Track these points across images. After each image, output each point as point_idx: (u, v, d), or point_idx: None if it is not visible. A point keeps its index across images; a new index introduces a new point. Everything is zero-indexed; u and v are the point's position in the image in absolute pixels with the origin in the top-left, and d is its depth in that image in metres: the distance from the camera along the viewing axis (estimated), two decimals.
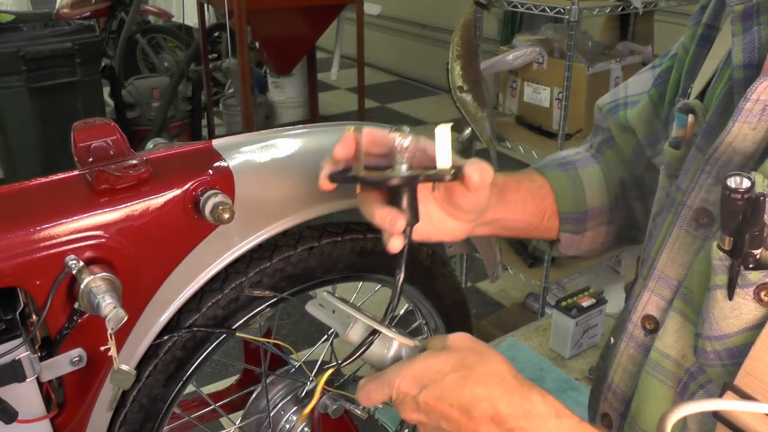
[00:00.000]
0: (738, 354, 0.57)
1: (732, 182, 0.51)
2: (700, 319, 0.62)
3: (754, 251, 0.53)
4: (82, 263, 0.67)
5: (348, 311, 0.67)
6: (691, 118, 0.67)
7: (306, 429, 1.08)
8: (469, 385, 0.60)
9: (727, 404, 0.58)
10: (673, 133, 0.70)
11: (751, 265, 0.54)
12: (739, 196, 0.51)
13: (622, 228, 0.90)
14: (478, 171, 0.62)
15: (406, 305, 1.06)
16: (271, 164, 0.80)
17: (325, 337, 1.11)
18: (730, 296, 0.56)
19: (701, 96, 0.70)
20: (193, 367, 0.82)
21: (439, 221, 0.70)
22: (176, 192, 0.73)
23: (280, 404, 1.08)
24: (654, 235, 0.74)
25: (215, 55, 4.64)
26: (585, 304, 1.88)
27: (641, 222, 0.89)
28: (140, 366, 0.79)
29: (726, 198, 0.52)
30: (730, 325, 0.57)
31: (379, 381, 0.65)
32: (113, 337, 0.66)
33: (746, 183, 0.51)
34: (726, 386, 0.57)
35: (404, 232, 0.63)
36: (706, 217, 0.64)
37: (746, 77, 0.61)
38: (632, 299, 0.73)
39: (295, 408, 1.09)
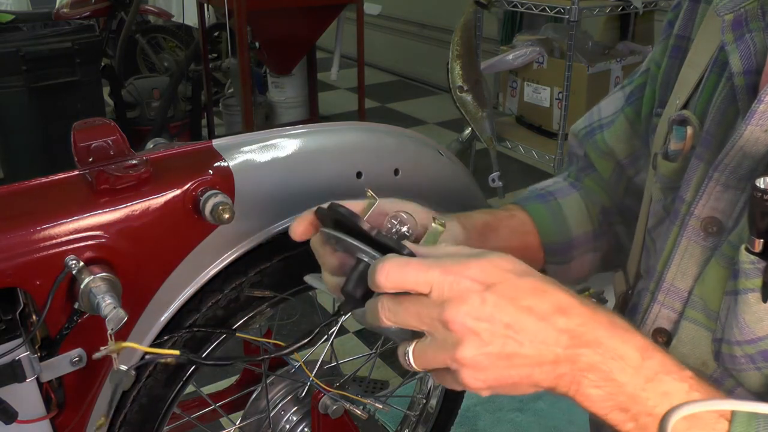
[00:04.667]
0: None
1: (761, 183, 0.51)
2: (718, 324, 0.62)
3: None
4: (82, 263, 0.67)
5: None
6: (690, 129, 0.67)
7: (306, 429, 1.08)
8: (552, 291, 0.52)
9: (727, 404, 0.58)
10: (671, 146, 0.69)
11: None
12: None
13: (607, 254, 0.89)
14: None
15: None
16: (271, 164, 0.80)
17: (325, 337, 1.11)
18: (765, 299, 0.55)
19: (684, 106, 0.71)
20: (193, 367, 0.82)
21: None
22: (176, 192, 0.73)
23: (280, 404, 1.08)
24: (656, 249, 0.73)
25: (215, 55, 4.63)
26: None
27: (627, 246, 0.89)
28: (140, 366, 0.79)
29: (756, 200, 0.51)
30: (764, 328, 0.57)
31: (425, 262, 0.51)
32: (113, 337, 0.66)
33: None
34: None
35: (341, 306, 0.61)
36: (715, 225, 0.63)
37: (747, 83, 0.62)
38: (638, 314, 0.72)
39: (295, 408, 1.09)
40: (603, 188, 0.90)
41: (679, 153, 0.68)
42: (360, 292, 0.58)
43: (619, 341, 0.52)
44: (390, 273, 0.51)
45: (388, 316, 0.52)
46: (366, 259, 0.58)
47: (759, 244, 0.54)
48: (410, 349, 0.53)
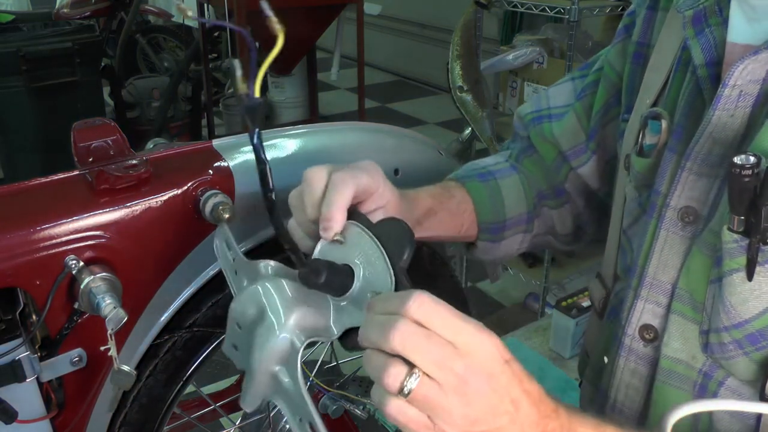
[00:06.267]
0: (761, 338, 0.58)
1: (738, 160, 0.52)
2: (704, 315, 0.62)
3: None
4: (82, 263, 0.67)
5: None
6: (664, 123, 0.68)
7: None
8: (531, 379, 0.53)
9: (727, 404, 0.58)
10: (647, 141, 0.71)
11: None
12: (749, 172, 0.52)
13: (537, 235, 0.92)
14: None
15: None
16: (271, 164, 0.80)
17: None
18: (750, 277, 0.56)
19: (653, 106, 0.72)
20: (193, 367, 0.82)
21: None
22: (176, 192, 0.73)
23: None
24: (632, 248, 0.74)
25: (215, 55, 4.64)
26: (585, 304, 1.88)
27: (558, 229, 0.92)
28: (140, 366, 0.79)
29: (734, 176, 0.53)
30: (749, 309, 0.57)
31: (457, 311, 0.51)
32: (113, 337, 0.66)
33: (752, 159, 0.52)
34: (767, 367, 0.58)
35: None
36: (691, 214, 0.65)
37: (710, 74, 0.64)
38: (621, 314, 0.73)
39: None
40: (542, 171, 0.92)
41: (654, 147, 0.70)
42: (325, 276, 0.56)
43: (578, 424, 0.54)
44: (423, 304, 0.50)
45: (404, 342, 0.48)
46: (362, 276, 0.57)
47: (740, 222, 0.55)
48: (414, 382, 0.48)
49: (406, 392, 0.48)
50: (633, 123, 0.75)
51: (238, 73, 0.49)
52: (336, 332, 0.59)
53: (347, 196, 0.60)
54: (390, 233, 0.57)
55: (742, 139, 0.60)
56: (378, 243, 0.57)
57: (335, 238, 0.59)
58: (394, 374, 0.48)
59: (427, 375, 0.48)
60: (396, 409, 0.49)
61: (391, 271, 0.55)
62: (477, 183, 0.87)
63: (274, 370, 0.59)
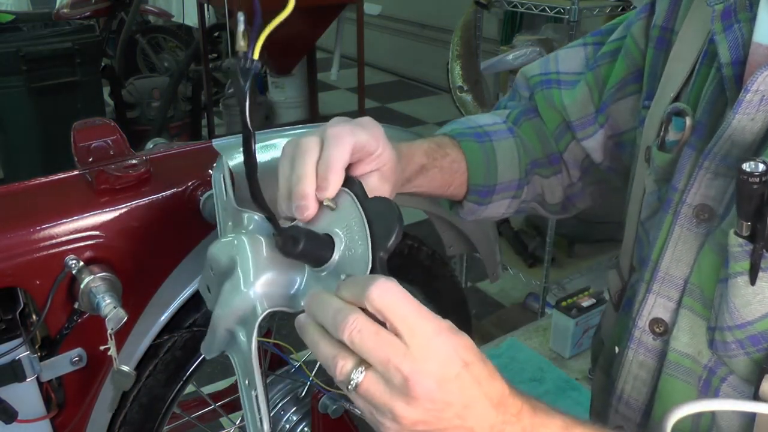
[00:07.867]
0: (762, 340, 0.58)
1: (747, 167, 0.52)
2: (712, 312, 0.63)
3: None
4: (82, 263, 0.67)
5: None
6: (689, 120, 0.68)
7: (306, 429, 1.08)
8: (500, 380, 0.52)
9: (727, 404, 0.58)
10: (670, 137, 0.70)
11: None
12: (757, 180, 0.52)
13: (524, 201, 0.90)
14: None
15: None
16: (271, 164, 0.80)
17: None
18: (753, 281, 0.56)
19: (676, 98, 0.72)
20: (193, 367, 0.82)
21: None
22: (176, 192, 0.73)
23: (280, 404, 1.08)
24: (648, 240, 0.74)
25: (215, 55, 4.64)
26: (585, 304, 1.88)
27: (547, 198, 0.91)
28: (140, 366, 0.79)
29: (742, 183, 0.52)
30: (752, 312, 0.58)
31: (423, 308, 0.49)
32: (113, 337, 0.66)
33: (762, 167, 0.52)
34: (764, 370, 0.58)
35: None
36: (706, 212, 0.65)
37: (735, 73, 0.63)
38: (634, 305, 0.73)
39: (295, 408, 1.09)
40: (540, 137, 0.90)
41: (677, 143, 0.69)
42: (303, 246, 0.54)
43: (540, 426, 0.53)
44: (386, 293, 0.48)
45: (351, 337, 0.48)
46: (341, 250, 0.55)
47: (746, 227, 0.55)
48: (360, 377, 0.48)
49: (352, 386, 0.49)
50: (654, 113, 0.75)
51: (241, 27, 0.48)
52: (302, 304, 0.57)
53: (345, 156, 0.57)
54: (380, 216, 0.54)
55: (761, 142, 0.60)
56: (367, 225, 0.54)
57: (326, 203, 0.57)
58: (340, 367, 0.49)
59: (374, 371, 0.48)
60: (346, 392, 0.50)
61: (371, 257, 0.53)
62: (473, 143, 0.85)
63: (233, 328, 0.58)
